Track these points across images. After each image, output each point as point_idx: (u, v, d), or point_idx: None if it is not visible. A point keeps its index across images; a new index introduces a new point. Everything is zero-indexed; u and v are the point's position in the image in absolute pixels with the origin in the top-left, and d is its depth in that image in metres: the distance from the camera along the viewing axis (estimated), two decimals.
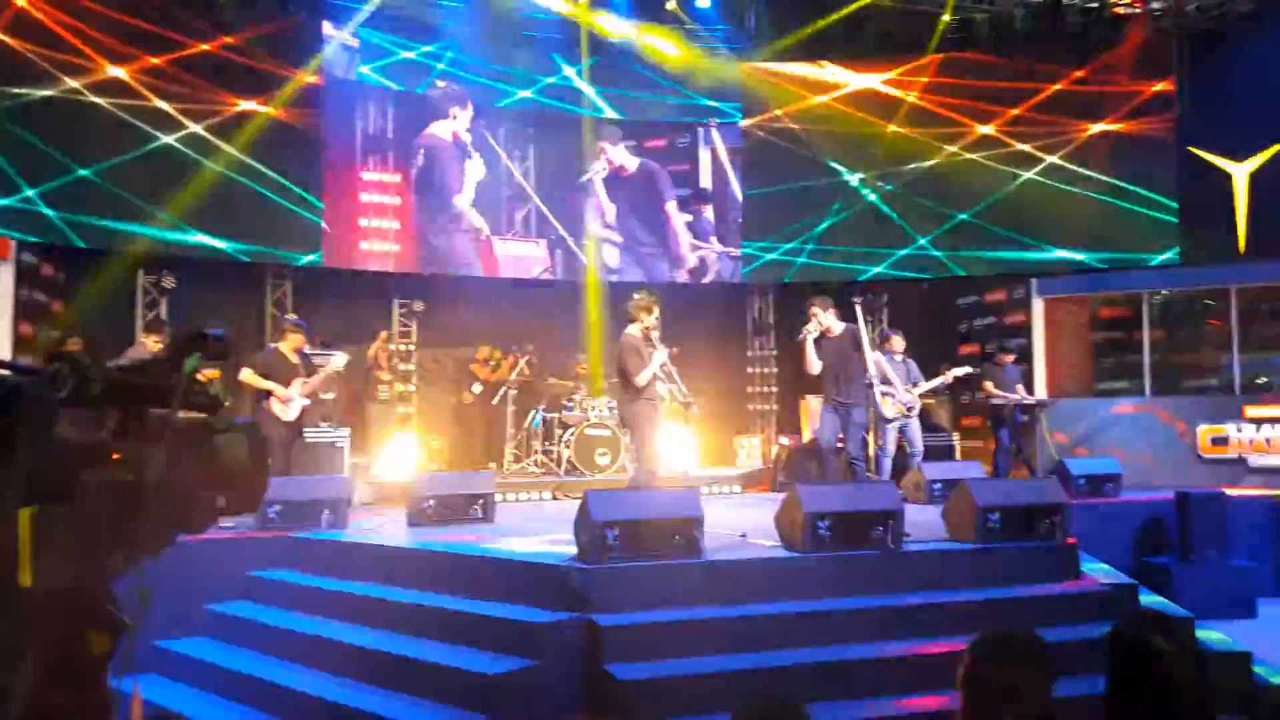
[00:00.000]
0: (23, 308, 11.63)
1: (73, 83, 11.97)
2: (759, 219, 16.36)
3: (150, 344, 9.74)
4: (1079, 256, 14.94)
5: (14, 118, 11.56)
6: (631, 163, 16.34)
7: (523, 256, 15.77)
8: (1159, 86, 14.67)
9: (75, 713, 1.50)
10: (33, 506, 1.39)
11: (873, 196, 15.89)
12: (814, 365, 10.06)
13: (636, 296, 9.29)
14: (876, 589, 6.99)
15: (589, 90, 16.04)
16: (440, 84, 15.17)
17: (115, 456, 1.47)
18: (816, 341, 10.02)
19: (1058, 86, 15.07)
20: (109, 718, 1.59)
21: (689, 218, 16.50)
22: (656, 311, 9.30)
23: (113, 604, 1.55)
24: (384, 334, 14.66)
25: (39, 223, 11.75)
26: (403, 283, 15.02)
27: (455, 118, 15.20)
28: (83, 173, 11.98)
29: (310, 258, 13.79)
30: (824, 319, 10.04)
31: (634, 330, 9.08)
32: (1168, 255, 14.51)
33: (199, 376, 1.60)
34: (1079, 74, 14.99)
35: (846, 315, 10.23)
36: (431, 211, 14.99)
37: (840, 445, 10.18)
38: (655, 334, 9.39)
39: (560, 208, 15.94)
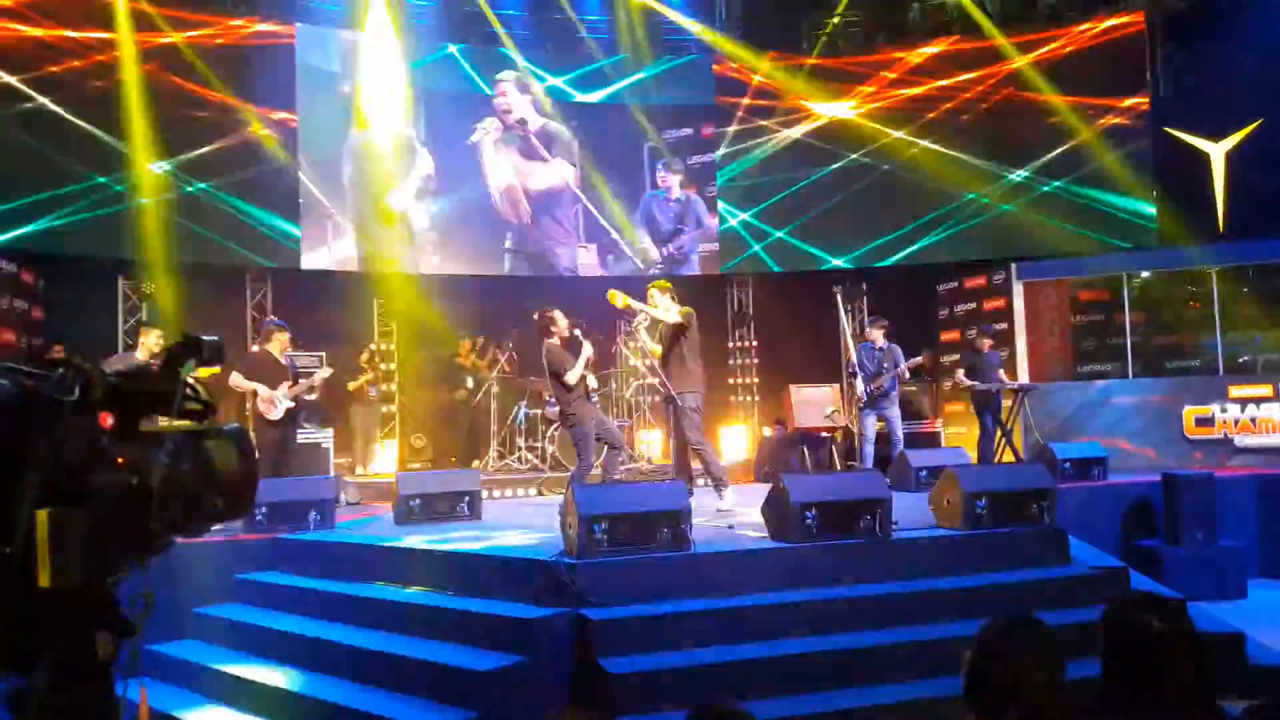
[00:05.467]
0: (3, 315, 11.60)
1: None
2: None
3: (153, 342, 9.65)
4: (1057, 240, 14.96)
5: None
6: (535, 119, 15.67)
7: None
8: (1134, 68, 14.69)
9: (82, 714, 1.49)
10: (48, 508, 1.39)
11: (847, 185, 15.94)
12: (653, 349, 9.96)
13: (535, 317, 9.45)
14: (866, 578, 6.98)
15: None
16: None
17: (120, 460, 1.46)
18: (654, 325, 9.97)
19: (1031, 67, 15.07)
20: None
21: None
22: (561, 317, 9.36)
23: (117, 606, 1.55)
24: (369, 348, 14.67)
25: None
26: (378, 281, 14.92)
27: None
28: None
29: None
30: (660, 302, 9.57)
31: (553, 341, 9.27)
32: (1146, 237, 14.54)
33: (193, 380, 1.60)
34: (1053, 55, 14.99)
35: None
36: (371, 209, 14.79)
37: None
38: (577, 331, 9.44)
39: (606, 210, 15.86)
